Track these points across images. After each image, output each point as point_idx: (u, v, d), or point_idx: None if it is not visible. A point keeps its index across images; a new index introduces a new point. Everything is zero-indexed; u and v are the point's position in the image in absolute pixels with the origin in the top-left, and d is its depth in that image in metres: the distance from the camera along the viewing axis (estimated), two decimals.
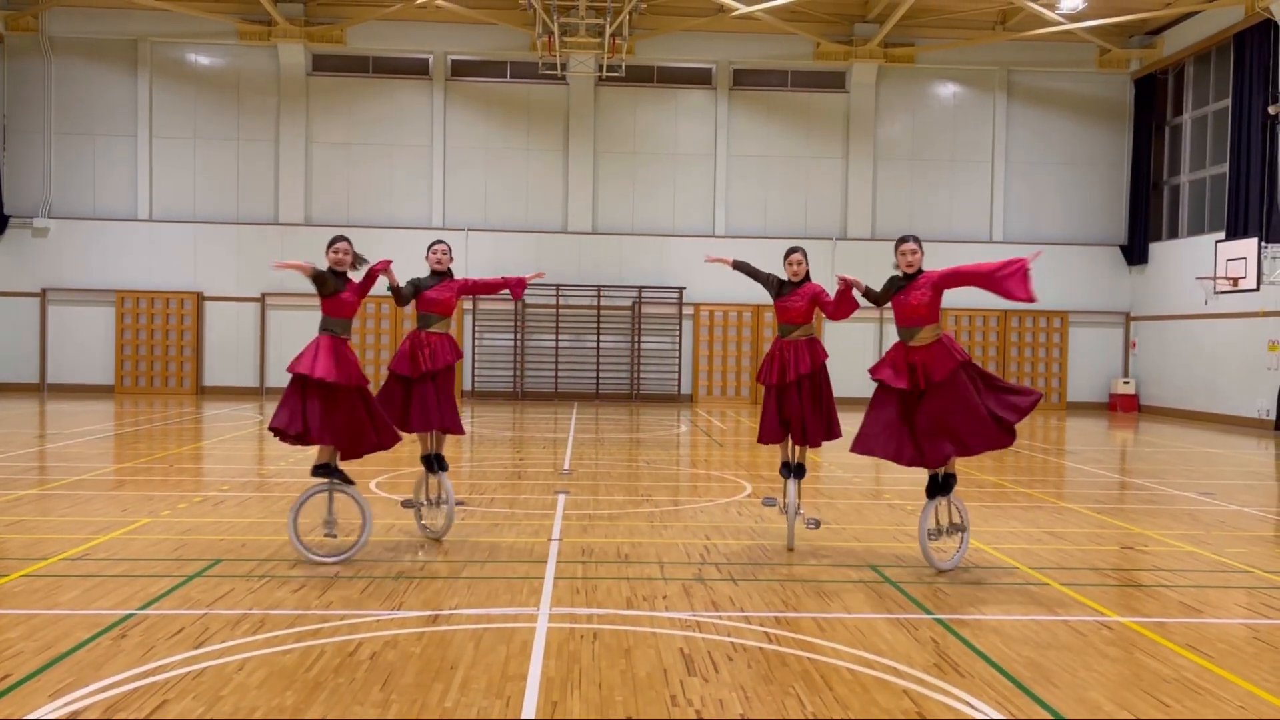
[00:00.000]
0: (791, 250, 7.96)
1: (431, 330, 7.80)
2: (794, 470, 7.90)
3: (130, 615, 5.72)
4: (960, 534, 7.24)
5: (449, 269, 7.98)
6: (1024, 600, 6.47)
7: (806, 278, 7.95)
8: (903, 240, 7.29)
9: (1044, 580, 6.98)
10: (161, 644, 5.22)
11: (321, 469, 7.27)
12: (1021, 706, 4.59)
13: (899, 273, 7.23)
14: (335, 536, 7.38)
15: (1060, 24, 23.35)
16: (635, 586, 6.58)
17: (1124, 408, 25.32)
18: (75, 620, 5.61)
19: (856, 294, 7.57)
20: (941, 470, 7.04)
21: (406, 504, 8.18)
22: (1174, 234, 24.95)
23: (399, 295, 7.71)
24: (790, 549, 7.82)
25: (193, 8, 24.19)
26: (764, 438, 7.83)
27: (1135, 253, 25.64)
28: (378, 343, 25.51)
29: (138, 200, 25.33)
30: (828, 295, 7.84)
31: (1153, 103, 25.43)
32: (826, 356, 7.88)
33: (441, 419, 7.69)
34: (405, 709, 4.43)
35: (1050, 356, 26.12)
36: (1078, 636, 5.69)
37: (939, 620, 5.92)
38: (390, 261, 7.50)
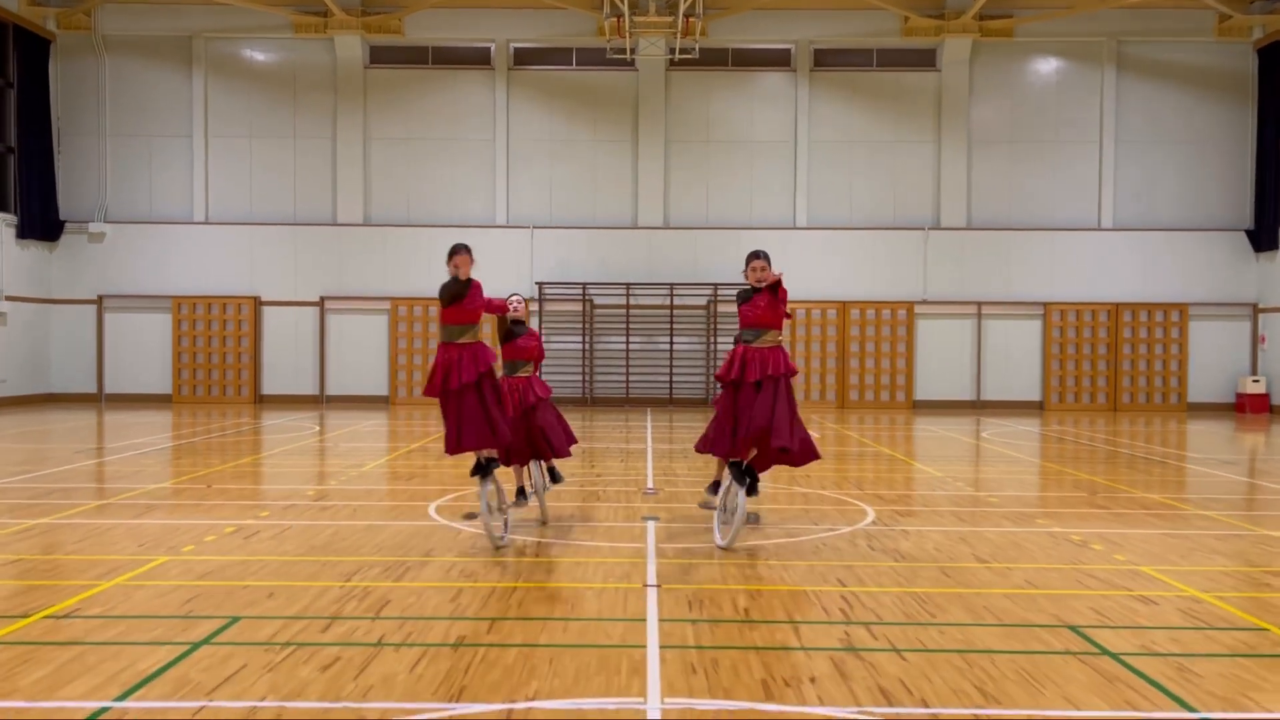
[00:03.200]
0: (754, 255, 7.67)
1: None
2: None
3: (103, 710, 4.27)
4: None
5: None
6: None
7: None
8: (755, 257, 7.56)
9: None
10: None
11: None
12: None
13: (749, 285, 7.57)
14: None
15: None
16: (769, 662, 4.97)
17: (1254, 409, 22.99)
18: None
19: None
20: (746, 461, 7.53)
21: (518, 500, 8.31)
22: None
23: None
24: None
25: (248, 1, 23.18)
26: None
27: (1263, 238, 23.30)
28: None
29: (193, 202, 24.41)
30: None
31: (1279, 73, 23.08)
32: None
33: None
34: None
35: (1168, 353, 23.88)
36: None
37: None
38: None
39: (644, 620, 5.66)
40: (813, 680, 4.71)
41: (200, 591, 6.26)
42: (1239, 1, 23.17)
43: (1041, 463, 13.93)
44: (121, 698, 4.42)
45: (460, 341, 7.36)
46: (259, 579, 6.60)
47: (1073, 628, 5.59)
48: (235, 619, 5.65)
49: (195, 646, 5.14)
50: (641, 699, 4.44)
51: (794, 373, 7.52)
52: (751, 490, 7.62)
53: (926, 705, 4.40)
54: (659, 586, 6.42)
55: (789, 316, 7.65)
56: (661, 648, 5.16)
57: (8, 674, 4.73)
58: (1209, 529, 8.66)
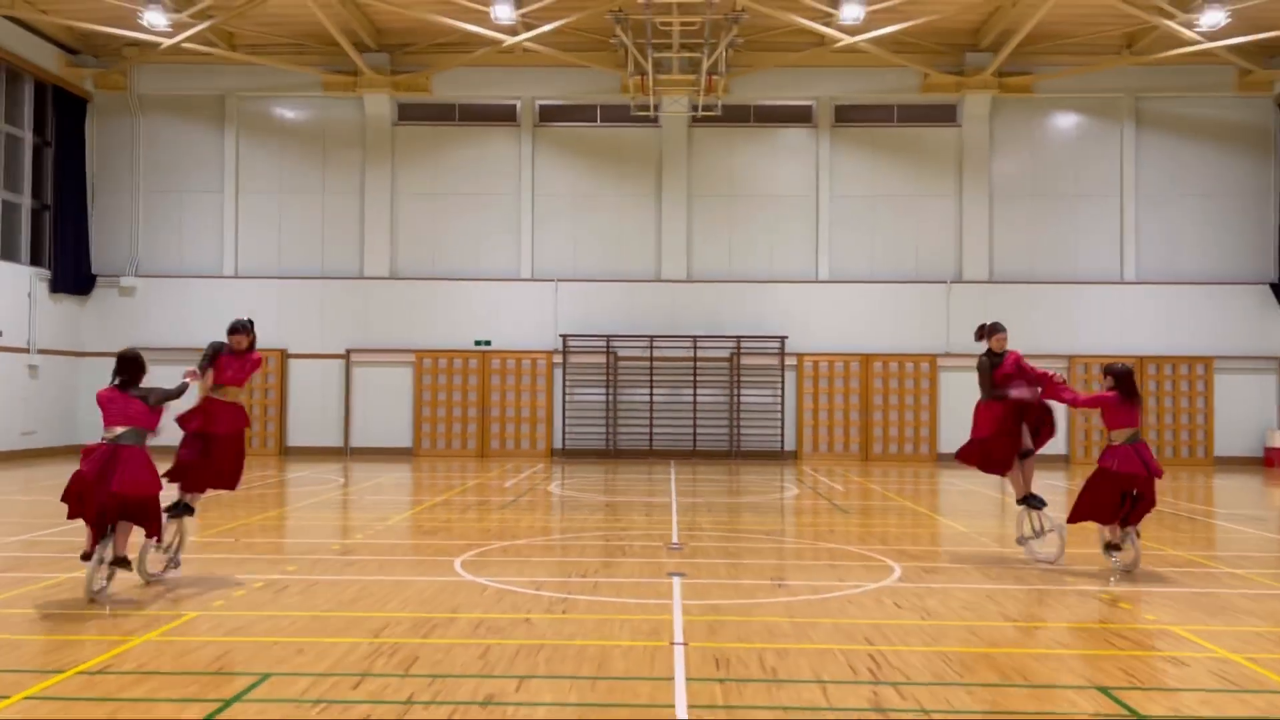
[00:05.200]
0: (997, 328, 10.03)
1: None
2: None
3: None
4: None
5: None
6: None
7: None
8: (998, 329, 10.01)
9: None
10: None
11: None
12: None
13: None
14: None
15: (1195, 43, 21.38)
16: None
17: None
18: None
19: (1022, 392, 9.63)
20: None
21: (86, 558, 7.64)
22: None
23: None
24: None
25: (279, 61, 23.77)
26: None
27: None
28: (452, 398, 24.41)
29: (223, 256, 24.84)
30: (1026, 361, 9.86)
31: None
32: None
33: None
34: None
35: (1194, 407, 23.70)
36: None
37: None
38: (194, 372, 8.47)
39: (671, 679, 5.68)
40: None
41: (231, 647, 6.33)
42: (1259, 56, 23.31)
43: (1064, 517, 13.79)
44: None
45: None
46: (288, 635, 6.66)
47: (1102, 689, 5.56)
48: (266, 675, 5.71)
49: (228, 703, 5.20)
50: None
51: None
52: (1035, 505, 9.73)
53: None
54: (686, 645, 6.43)
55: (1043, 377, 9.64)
56: (689, 707, 5.17)
57: None
58: (1239, 588, 8.58)
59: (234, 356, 8.79)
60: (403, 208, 24.89)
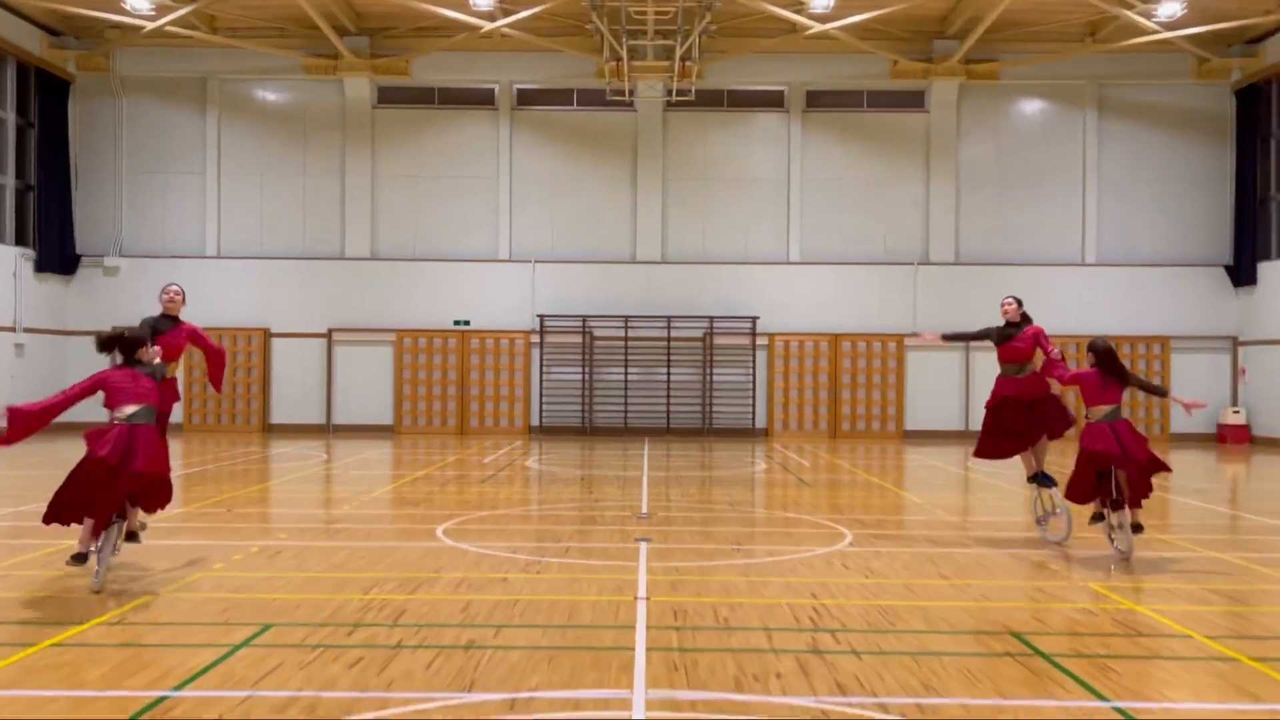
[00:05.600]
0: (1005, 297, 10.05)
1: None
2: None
3: (163, 699, 4.93)
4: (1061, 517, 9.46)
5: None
6: (1214, 681, 5.39)
7: (1025, 319, 9.77)
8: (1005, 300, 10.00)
9: (1229, 654, 5.88)
10: None
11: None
12: None
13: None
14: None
15: (1154, 33, 22.10)
16: (742, 661, 5.64)
17: (1234, 439, 23.66)
18: (100, 705, 4.85)
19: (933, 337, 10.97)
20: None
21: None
22: None
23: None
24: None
25: (260, 44, 24.11)
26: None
27: (1242, 273, 24.08)
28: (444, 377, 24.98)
29: (205, 237, 25.23)
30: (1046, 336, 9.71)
31: (1256, 115, 23.96)
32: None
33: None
34: None
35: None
36: None
37: (1120, 711, 4.87)
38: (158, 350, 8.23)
39: (633, 627, 6.33)
40: (778, 676, 5.38)
41: (235, 603, 6.94)
42: (1216, 45, 24.04)
43: (1021, 490, 14.56)
44: (178, 688, 5.09)
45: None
46: (286, 592, 7.27)
47: (1014, 634, 6.25)
48: (268, 626, 6.32)
49: (236, 648, 5.81)
50: (629, 690, 5.11)
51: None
52: (1045, 483, 9.63)
53: (875, 695, 5.07)
54: (648, 599, 7.09)
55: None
56: (648, 650, 5.82)
57: (74, 670, 5.41)
58: (1162, 551, 9.32)
59: (168, 334, 8.75)
60: (383, 189, 25.32)
